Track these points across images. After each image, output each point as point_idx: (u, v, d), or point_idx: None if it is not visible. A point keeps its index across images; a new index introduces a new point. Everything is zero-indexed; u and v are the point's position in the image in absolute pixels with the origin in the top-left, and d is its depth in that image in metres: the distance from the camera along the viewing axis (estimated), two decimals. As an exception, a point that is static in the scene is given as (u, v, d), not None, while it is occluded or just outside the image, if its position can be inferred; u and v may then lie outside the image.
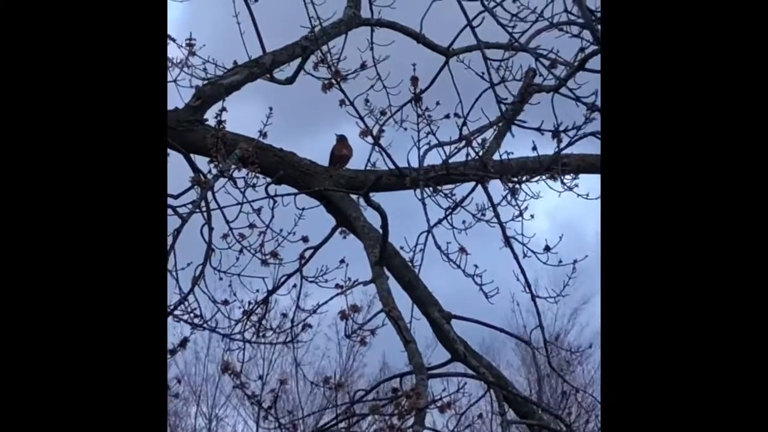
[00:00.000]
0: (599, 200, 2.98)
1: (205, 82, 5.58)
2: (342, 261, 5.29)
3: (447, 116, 5.28)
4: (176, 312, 4.80)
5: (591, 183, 5.60)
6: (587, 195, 5.32)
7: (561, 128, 4.35)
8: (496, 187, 5.13)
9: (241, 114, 6.10)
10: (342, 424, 4.30)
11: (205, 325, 4.90)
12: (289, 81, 5.79)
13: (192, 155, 5.38)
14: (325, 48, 5.15)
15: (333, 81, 4.18)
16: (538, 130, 4.55)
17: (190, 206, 4.76)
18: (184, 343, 4.55)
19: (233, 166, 4.81)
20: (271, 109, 4.89)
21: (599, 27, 4.73)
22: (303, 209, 5.27)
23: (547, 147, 4.86)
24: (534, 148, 4.46)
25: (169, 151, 4.79)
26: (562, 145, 4.66)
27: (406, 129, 5.29)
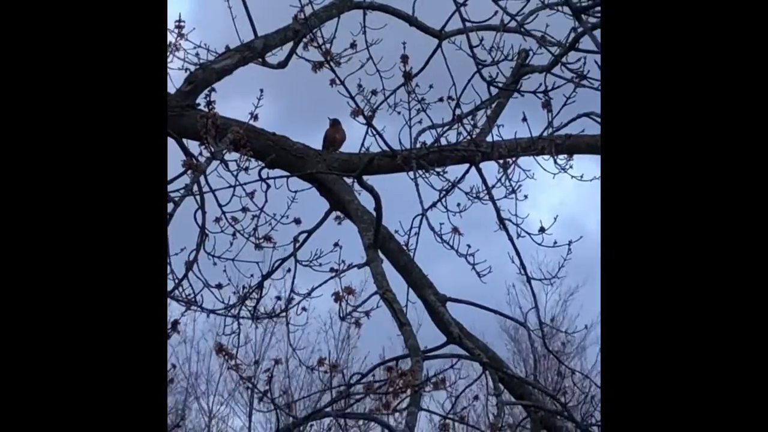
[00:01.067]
0: (596, 186, 2.96)
1: (197, 66, 5.56)
2: (336, 244, 5.27)
3: (440, 99, 5.26)
4: (171, 297, 4.79)
5: (585, 164, 5.61)
6: (581, 176, 5.32)
7: (553, 105, 4.33)
8: (490, 170, 5.12)
9: (236, 101, 6.09)
10: (337, 406, 4.28)
11: (201, 307, 4.88)
12: (281, 65, 5.77)
13: (184, 140, 5.36)
14: (316, 31, 5.13)
15: (324, 60, 4.16)
16: (534, 92, 4.52)
17: (182, 191, 4.74)
18: (174, 325, 4.53)
19: (225, 150, 4.79)
20: (261, 91, 4.86)
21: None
22: (296, 192, 5.25)
23: (540, 125, 4.84)
24: (524, 119, 4.44)
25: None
26: (556, 125, 4.63)
27: (399, 113, 5.28)
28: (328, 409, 4.10)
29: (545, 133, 4.97)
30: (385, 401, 3.83)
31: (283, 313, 5.29)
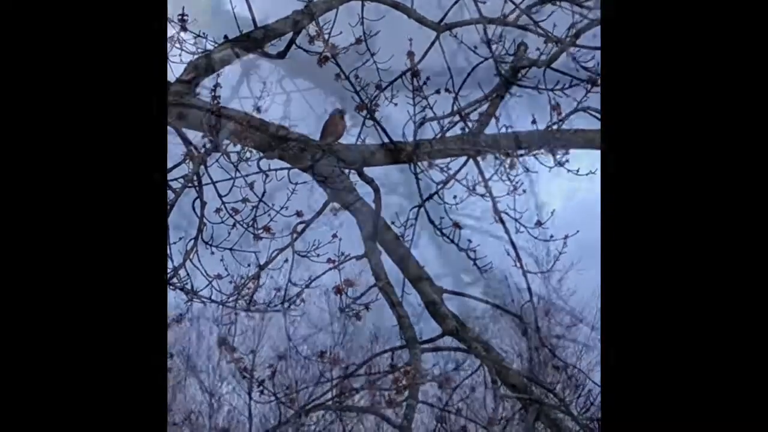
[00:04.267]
0: (597, 177, 2.99)
1: (197, 56, 5.54)
2: (334, 235, 5.28)
3: (437, 91, 5.27)
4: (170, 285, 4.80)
5: (583, 159, 5.62)
6: (577, 170, 5.34)
7: (558, 93, 4.34)
8: (490, 161, 5.13)
9: (237, 91, 6.08)
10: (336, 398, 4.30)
11: (199, 297, 4.89)
12: (281, 56, 5.75)
13: (184, 129, 5.35)
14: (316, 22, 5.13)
15: (329, 55, 4.16)
16: (536, 88, 4.55)
17: (182, 180, 4.75)
18: (180, 319, 4.54)
19: (226, 141, 4.79)
20: (264, 83, 4.87)
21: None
22: (296, 184, 5.25)
23: (541, 121, 4.87)
24: (533, 122, 4.46)
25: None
26: (555, 119, 4.65)
27: (396, 105, 5.28)
28: (329, 403, 4.12)
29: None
30: (388, 398, 3.86)
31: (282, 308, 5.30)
